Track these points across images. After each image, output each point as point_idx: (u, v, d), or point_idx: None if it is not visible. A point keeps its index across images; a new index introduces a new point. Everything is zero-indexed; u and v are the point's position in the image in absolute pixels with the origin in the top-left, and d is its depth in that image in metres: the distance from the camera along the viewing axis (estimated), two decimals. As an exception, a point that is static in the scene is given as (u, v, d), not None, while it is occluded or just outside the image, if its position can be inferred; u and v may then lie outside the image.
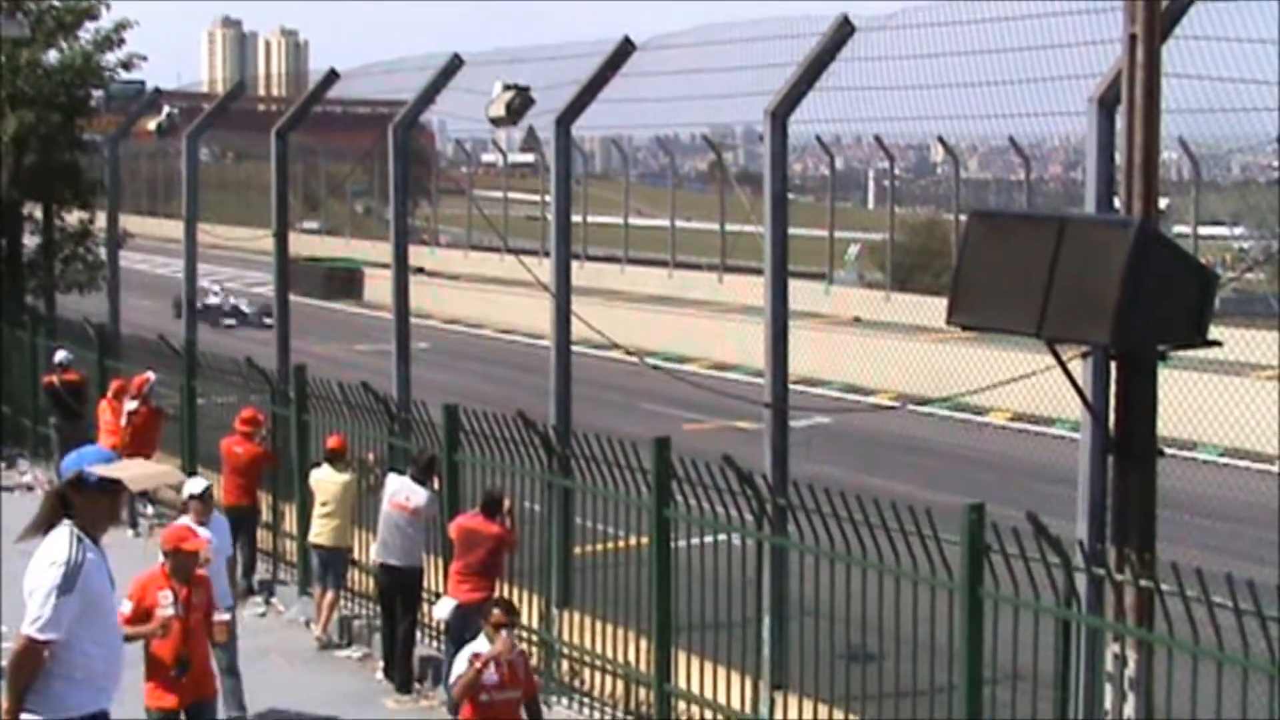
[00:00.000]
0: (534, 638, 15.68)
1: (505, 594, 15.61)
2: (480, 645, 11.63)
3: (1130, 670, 10.32)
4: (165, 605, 11.84)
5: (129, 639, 11.04)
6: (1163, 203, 14.56)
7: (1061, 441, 23.56)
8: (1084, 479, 11.52)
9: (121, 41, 31.40)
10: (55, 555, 8.59)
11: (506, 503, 15.32)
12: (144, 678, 11.89)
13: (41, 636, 8.51)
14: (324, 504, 17.54)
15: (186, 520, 14.18)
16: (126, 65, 31.80)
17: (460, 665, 11.63)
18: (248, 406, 19.79)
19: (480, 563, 15.09)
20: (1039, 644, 10.91)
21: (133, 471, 9.52)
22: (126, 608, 11.53)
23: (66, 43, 31.38)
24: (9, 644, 9.14)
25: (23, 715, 8.59)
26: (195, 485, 14.85)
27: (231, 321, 47.95)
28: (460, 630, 15.22)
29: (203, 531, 13.52)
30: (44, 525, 8.78)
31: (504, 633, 11.58)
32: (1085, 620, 10.78)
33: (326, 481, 17.55)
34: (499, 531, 15.10)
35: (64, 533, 8.67)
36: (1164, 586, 10.02)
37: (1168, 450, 11.10)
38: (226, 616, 12.95)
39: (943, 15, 14.02)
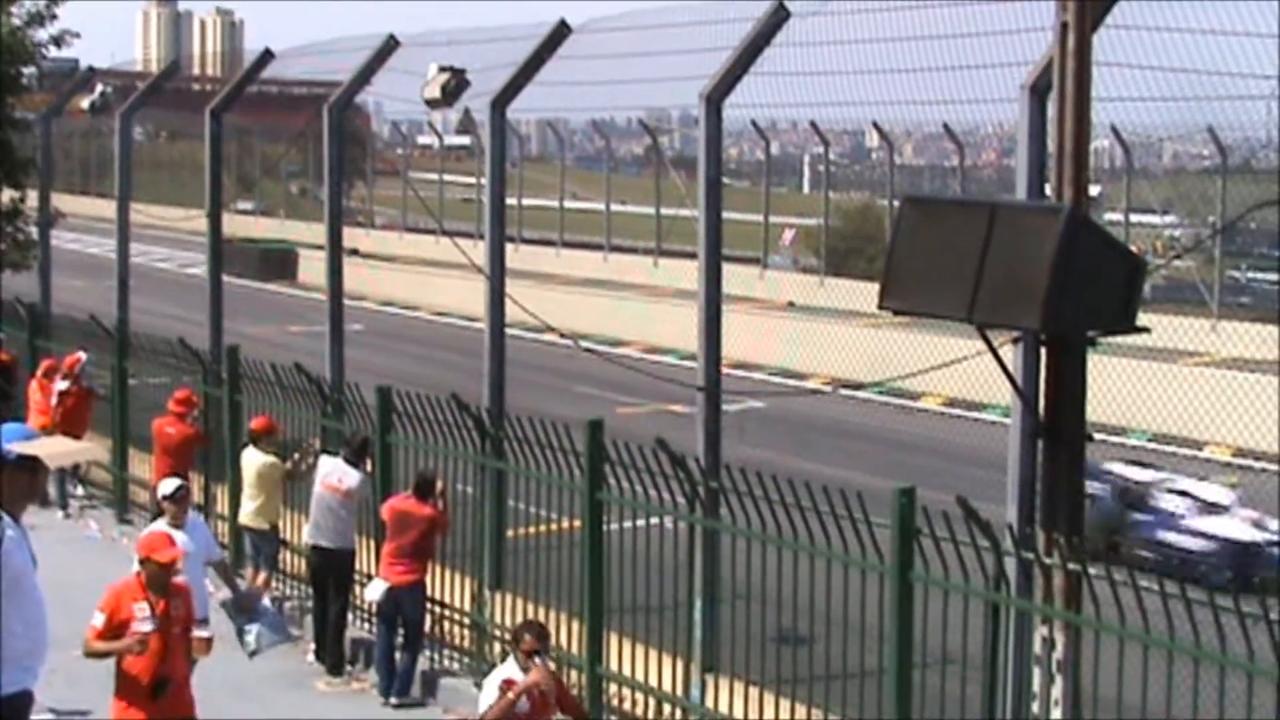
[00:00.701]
0: (466, 620, 15.70)
1: (438, 575, 15.64)
2: (510, 670, 10.90)
3: (1058, 653, 10.41)
4: (141, 619, 10.89)
5: (100, 655, 10.77)
6: (1094, 190, 14.68)
7: (993, 426, 23.68)
8: (1014, 463, 11.59)
9: (54, 17, 31.15)
10: (-26, 534, 8.55)
11: (439, 485, 15.32)
12: (114, 694, 11.04)
13: (-38, 616, 8.47)
14: (250, 485, 17.48)
15: (161, 525, 13.64)
16: (58, 41, 31.55)
17: (490, 692, 10.79)
18: (182, 387, 19.69)
19: (412, 545, 15.09)
20: (968, 627, 10.99)
21: (52, 449, 9.50)
22: (99, 620, 10.87)
23: (-3, 19, 31.10)
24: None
25: (-52, 697, 8.55)
26: (167, 486, 14.18)
27: None
28: (391, 612, 15.24)
29: (179, 536, 12.85)
30: None
31: (538, 660, 10.78)
32: (1014, 603, 10.87)
33: (252, 462, 17.48)
34: (431, 513, 15.10)
35: (-18, 512, 8.62)
36: (1091, 570, 10.11)
37: (1097, 435, 11.20)
38: (207, 633, 11.70)
39: (877, 2, 14.07)
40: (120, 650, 10.80)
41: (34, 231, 31.10)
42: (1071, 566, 10.27)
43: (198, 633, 11.49)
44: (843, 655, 11.86)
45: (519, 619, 14.84)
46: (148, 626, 10.85)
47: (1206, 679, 9.57)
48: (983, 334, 10.53)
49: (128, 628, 10.83)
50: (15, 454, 8.76)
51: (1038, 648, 10.57)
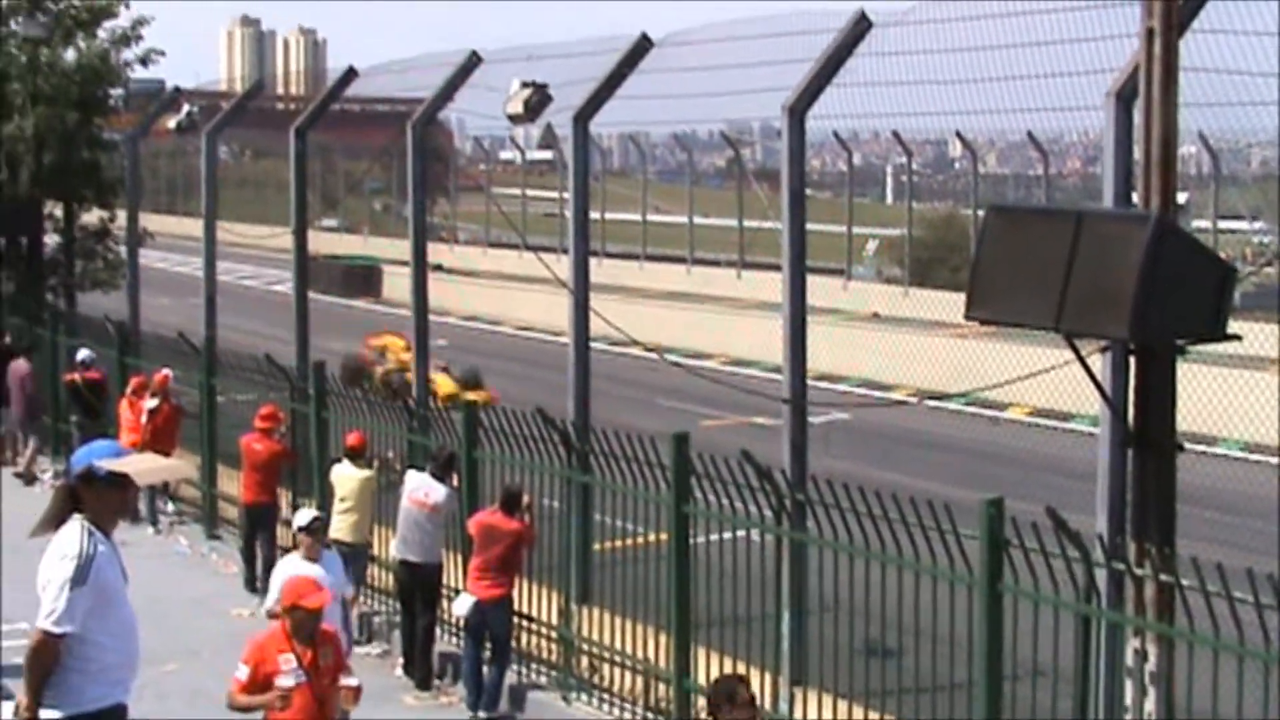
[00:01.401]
0: (553, 634, 15.70)
1: (525, 590, 15.64)
2: None
3: (1151, 665, 10.31)
4: (286, 671, 10.35)
5: (244, 709, 10.43)
6: (1182, 197, 14.52)
7: (1081, 436, 23.54)
8: (1103, 473, 11.50)
9: (139, 38, 31.48)
10: (67, 549, 8.62)
11: (526, 499, 15.33)
12: None
13: (56, 630, 8.54)
14: (343, 500, 17.54)
15: (296, 561, 13.44)
16: (144, 61, 31.87)
17: None
18: (267, 403, 19.81)
19: (499, 559, 15.12)
20: (1059, 639, 10.89)
21: (141, 466, 9.55)
22: (243, 673, 10.39)
23: (85, 42, 31.46)
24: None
25: (41, 710, 8.63)
26: (302, 518, 13.97)
27: None
28: (479, 627, 15.26)
29: (314, 570, 12.74)
30: (55, 520, 8.81)
31: None
32: (1105, 615, 10.77)
33: (346, 478, 17.55)
34: (518, 528, 15.12)
35: (75, 527, 8.69)
36: (1184, 581, 10.00)
37: (1187, 445, 11.08)
38: (355, 682, 10.88)
39: (959, 10, 14.00)
40: (264, 705, 10.37)
41: (123, 251, 31.42)
42: (1164, 577, 10.17)
43: (345, 681, 10.83)
44: (932, 668, 11.79)
45: (608, 634, 14.87)
46: (292, 681, 10.33)
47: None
48: (1070, 343, 10.45)
49: (273, 680, 10.35)
50: (106, 471, 8.82)
51: (1130, 660, 10.47)
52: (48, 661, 8.59)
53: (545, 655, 15.90)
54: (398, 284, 42.81)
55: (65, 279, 32.00)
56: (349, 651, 11.96)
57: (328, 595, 10.86)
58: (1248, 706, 9.59)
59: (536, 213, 61.37)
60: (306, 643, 10.44)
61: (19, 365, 25.87)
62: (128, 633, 8.93)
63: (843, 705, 12.71)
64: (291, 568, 13.19)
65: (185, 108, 28.44)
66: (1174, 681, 10.27)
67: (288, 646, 10.41)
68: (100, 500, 8.82)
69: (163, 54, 31.97)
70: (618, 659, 14.94)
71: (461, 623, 15.74)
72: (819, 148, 52.79)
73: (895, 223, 51.68)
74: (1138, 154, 10.74)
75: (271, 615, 12.06)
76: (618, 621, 14.92)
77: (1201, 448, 23.92)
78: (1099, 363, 11.29)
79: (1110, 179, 11.69)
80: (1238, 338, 10.31)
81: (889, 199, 71.55)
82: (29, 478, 25.01)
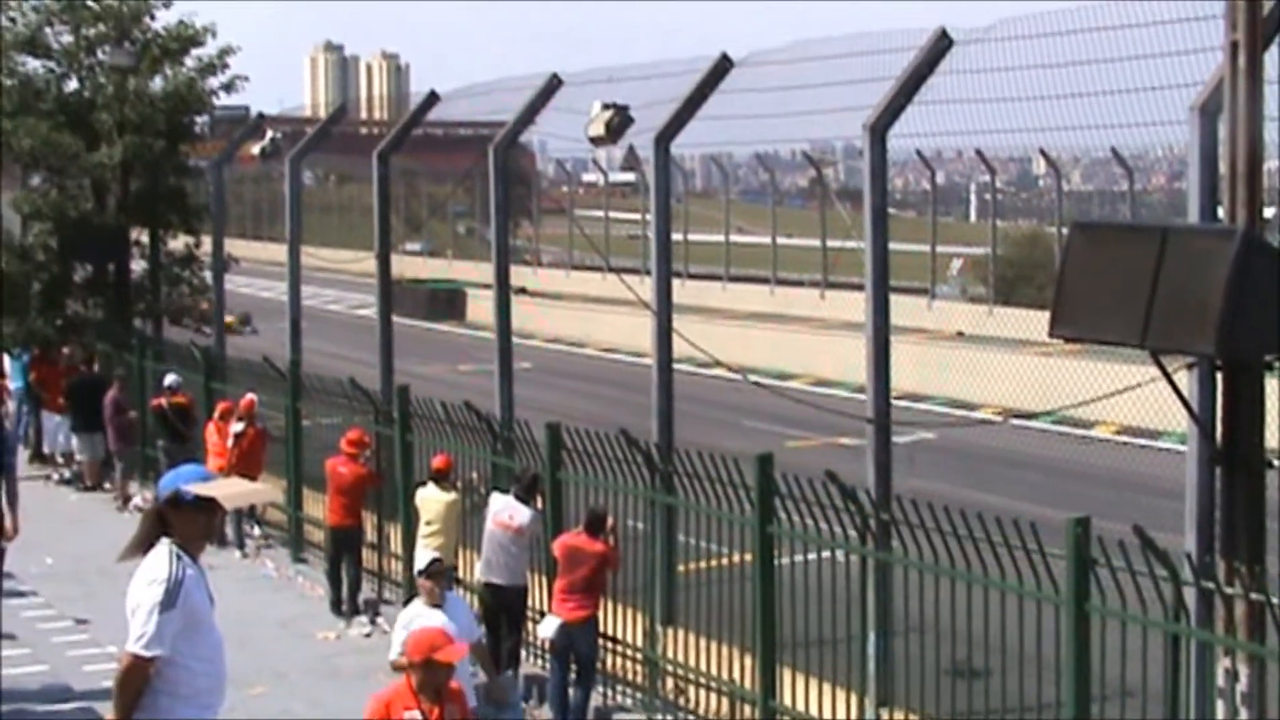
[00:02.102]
0: (638, 655, 15.69)
1: (610, 611, 15.63)
2: None
3: (1242, 685, 10.20)
4: None
5: None
6: (1269, 212, 14.40)
7: (1169, 454, 23.30)
8: (1191, 491, 11.40)
9: (225, 67, 31.76)
10: (156, 573, 8.67)
11: (610, 521, 15.33)
12: None
13: (146, 653, 8.58)
14: (429, 523, 17.58)
15: (418, 605, 12.84)
16: (229, 87, 32.12)
17: None
18: (354, 428, 19.87)
19: (584, 580, 15.11)
20: (1148, 659, 10.79)
21: (228, 490, 9.58)
22: None
23: (171, 70, 31.76)
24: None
25: (130, 734, 8.67)
26: (422, 560, 13.55)
27: None
28: (564, 648, 15.26)
29: (439, 618, 12.12)
30: (143, 544, 8.85)
31: None
32: (1195, 634, 10.65)
33: (432, 500, 17.60)
34: (602, 549, 15.12)
35: (163, 550, 8.74)
36: (1275, 599, 9.89)
37: (1277, 462, 10.97)
38: None
39: (1041, 26, 13.94)
40: None
41: (208, 276, 31.68)
42: (1254, 596, 10.06)
43: None
44: (1019, 688, 11.70)
45: (693, 655, 14.85)
46: None
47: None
48: (1156, 360, 10.38)
49: None
50: (193, 495, 8.87)
51: (1220, 680, 10.37)
52: (137, 685, 8.63)
53: (630, 677, 15.89)
54: (482, 307, 42.97)
55: (152, 305, 32.27)
56: (474, 710, 11.45)
57: (463, 648, 10.14)
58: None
59: (620, 234, 61.47)
60: (434, 699, 9.67)
61: (110, 393, 26.11)
62: (215, 656, 8.97)
63: (930, 726, 12.65)
64: (416, 616, 12.57)
65: (269, 134, 28.64)
66: (1266, 701, 10.16)
67: (414, 703, 9.65)
68: (188, 524, 8.87)
69: (247, 80, 32.23)
70: (703, 680, 14.91)
71: (547, 645, 15.76)
72: (902, 167, 52.65)
73: (979, 241, 51.50)
74: (1223, 168, 10.66)
75: (397, 668, 11.35)
76: (703, 643, 14.89)
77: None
78: (1186, 379, 11.20)
79: (1195, 194, 11.60)
80: (1326, 353, 10.20)
81: (973, 217, 71.33)
82: (123, 502, 25.23)
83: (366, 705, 9.83)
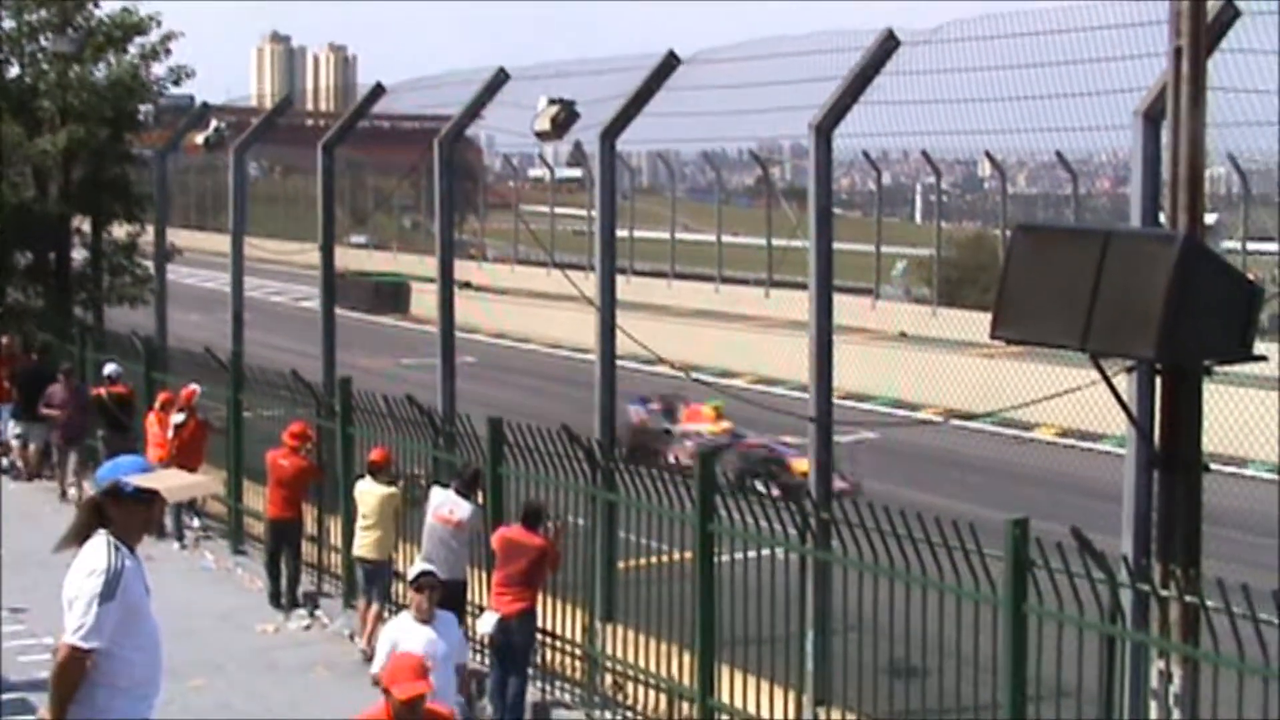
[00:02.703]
0: (578, 651, 15.69)
1: (549, 607, 15.61)
2: None
3: (1175, 687, 10.27)
4: None
5: None
6: (1211, 218, 14.48)
7: (1108, 457, 23.43)
8: (1129, 494, 11.46)
9: (168, 52, 31.60)
10: (94, 564, 8.59)
11: (554, 522, 15.28)
12: None
13: (85, 645, 8.51)
14: (365, 517, 17.55)
15: (405, 619, 12.95)
16: (175, 80, 31.99)
17: None
18: (297, 421, 19.81)
19: (521, 574, 15.08)
20: (1083, 660, 10.85)
21: (169, 482, 9.51)
22: None
23: (115, 58, 31.58)
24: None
25: (66, 725, 8.61)
26: (412, 571, 13.60)
27: None
28: (503, 644, 15.23)
29: (425, 636, 12.37)
30: (80, 535, 8.78)
31: None
32: (1130, 636, 10.72)
33: (368, 494, 17.55)
34: (540, 543, 15.09)
35: (101, 541, 8.67)
36: (1209, 602, 9.95)
37: (1214, 465, 11.04)
38: None
39: (988, 29, 13.98)
40: None
41: (150, 266, 31.51)
42: (1189, 599, 10.12)
43: None
44: (956, 688, 11.75)
45: (632, 652, 14.86)
46: None
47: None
48: (1096, 363, 10.42)
49: None
50: (133, 487, 8.81)
51: (1154, 682, 10.43)
52: (75, 677, 8.56)
53: (569, 673, 15.88)
54: (426, 301, 42.86)
55: (93, 294, 32.08)
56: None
57: (426, 687, 9.54)
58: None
59: (565, 230, 61.45)
60: None
61: (56, 386, 25.84)
62: (153, 645, 8.90)
63: (867, 725, 12.69)
64: (401, 633, 12.64)
65: (214, 123, 28.47)
66: (1199, 703, 10.22)
67: None
68: (128, 516, 8.80)
69: (192, 74, 32.12)
70: (641, 677, 14.92)
71: (486, 640, 15.74)
72: (848, 167, 52.89)
73: (924, 242, 51.68)
74: (1166, 174, 10.70)
75: (376, 684, 11.12)
76: (642, 639, 14.90)
77: (1231, 469, 23.84)
78: (1126, 383, 11.26)
79: (1137, 199, 11.67)
80: (1264, 358, 10.27)
81: (918, 218, 71.54)
82: (62, 492, 25.05)
83: None
